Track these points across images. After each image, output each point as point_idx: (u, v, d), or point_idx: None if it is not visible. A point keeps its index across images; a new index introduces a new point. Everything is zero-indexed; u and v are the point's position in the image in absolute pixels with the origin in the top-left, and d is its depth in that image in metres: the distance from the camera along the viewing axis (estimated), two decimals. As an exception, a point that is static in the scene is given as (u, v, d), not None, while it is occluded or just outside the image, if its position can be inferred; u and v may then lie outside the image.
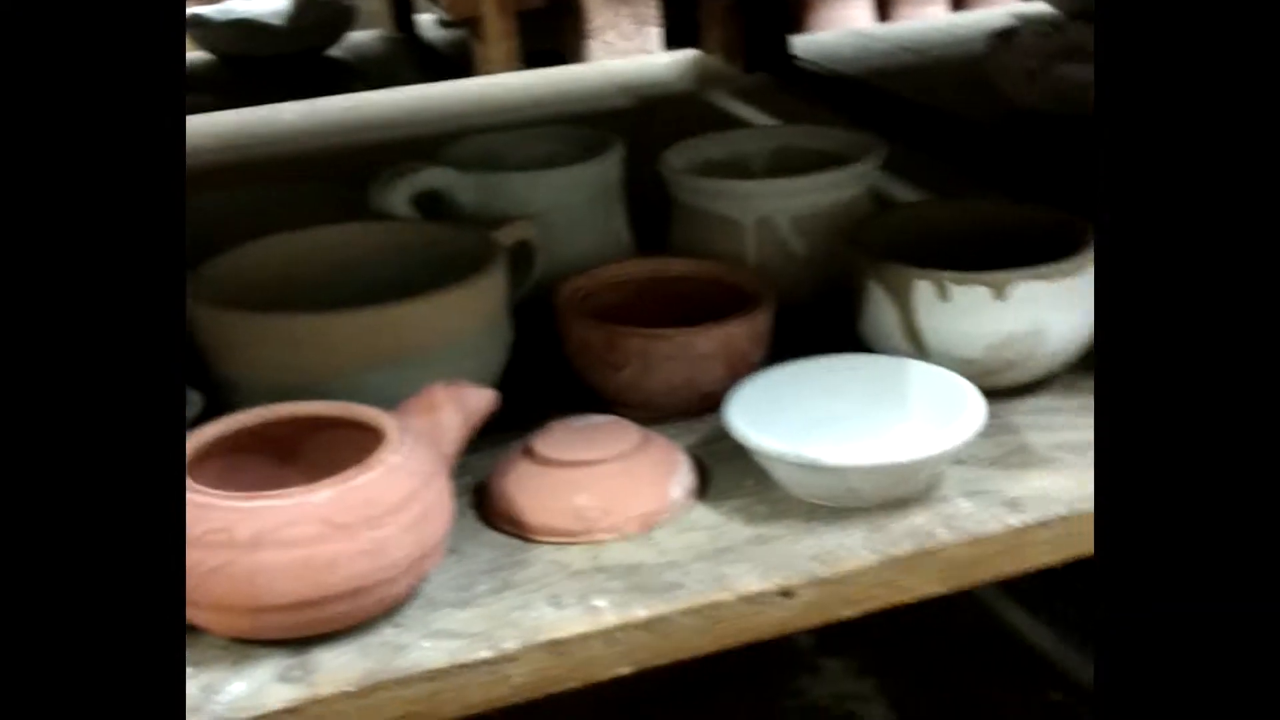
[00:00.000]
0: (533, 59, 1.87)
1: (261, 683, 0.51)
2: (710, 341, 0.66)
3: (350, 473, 0.52)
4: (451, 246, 0.67)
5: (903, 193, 0.93)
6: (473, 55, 2.05)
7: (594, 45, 2.02)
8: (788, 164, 0.80)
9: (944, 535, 0.58)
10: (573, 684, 0.54)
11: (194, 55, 2.32)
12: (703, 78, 1.24)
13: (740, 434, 0.60)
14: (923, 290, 0.65)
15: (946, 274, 0.65)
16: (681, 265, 0.73)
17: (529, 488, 0.59)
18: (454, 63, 2.17)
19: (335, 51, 2.38)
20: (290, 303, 0.63)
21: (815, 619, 0.57)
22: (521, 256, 0.71)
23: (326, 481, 0.52)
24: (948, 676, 0.95)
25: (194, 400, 0.62)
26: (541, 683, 0.53)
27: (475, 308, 0.64)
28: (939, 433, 0.59)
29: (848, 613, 0.57)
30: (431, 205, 0.74)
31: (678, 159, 0.78)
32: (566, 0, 2.03)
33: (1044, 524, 0.59)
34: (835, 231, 0.73)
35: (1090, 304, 0.66)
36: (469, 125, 1.05)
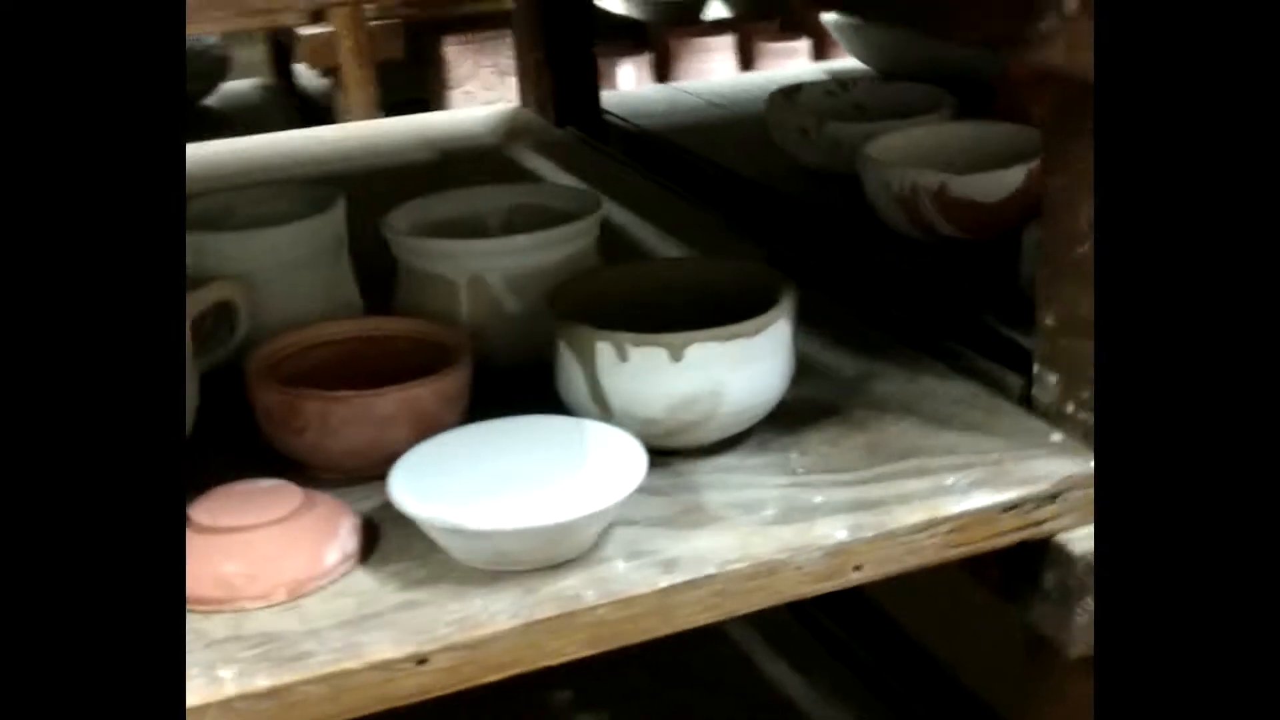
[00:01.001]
0: (397, 109, 1.88)
1: None
2: (391, 404, 0.65)
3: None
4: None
5: (671, 251, 0.94)
6: (335, 104, 2.05)
7: (456, 95, 2.03)
8: (523, 223, 0.80)
9: (591, 597, 0.58)
10: (197, 757, 0.53)
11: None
12: (513, 132, 1.25)
13: (394, 498, 0.59)
14: (604, 351, 0.65)
15: (624, 335, 0.65)
16: (389, 325, 0.73)
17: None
18: (326, 111, 2.18)
19: (210, 100, 2.38)
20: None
21: (452, 684, 0.56)
22: (223, 317, 0.71)
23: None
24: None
25: None
26: (155, 755, 0.53)
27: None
28: (594, 494, 0.59)
29: (488, 678, 0.57)
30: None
31: (404, 218, 0.78)
32: (428, 52, 2.04)
33: (693, 584, 0.59)
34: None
35: (773, 361, 0.67)
36: (244, 180, 1.04)
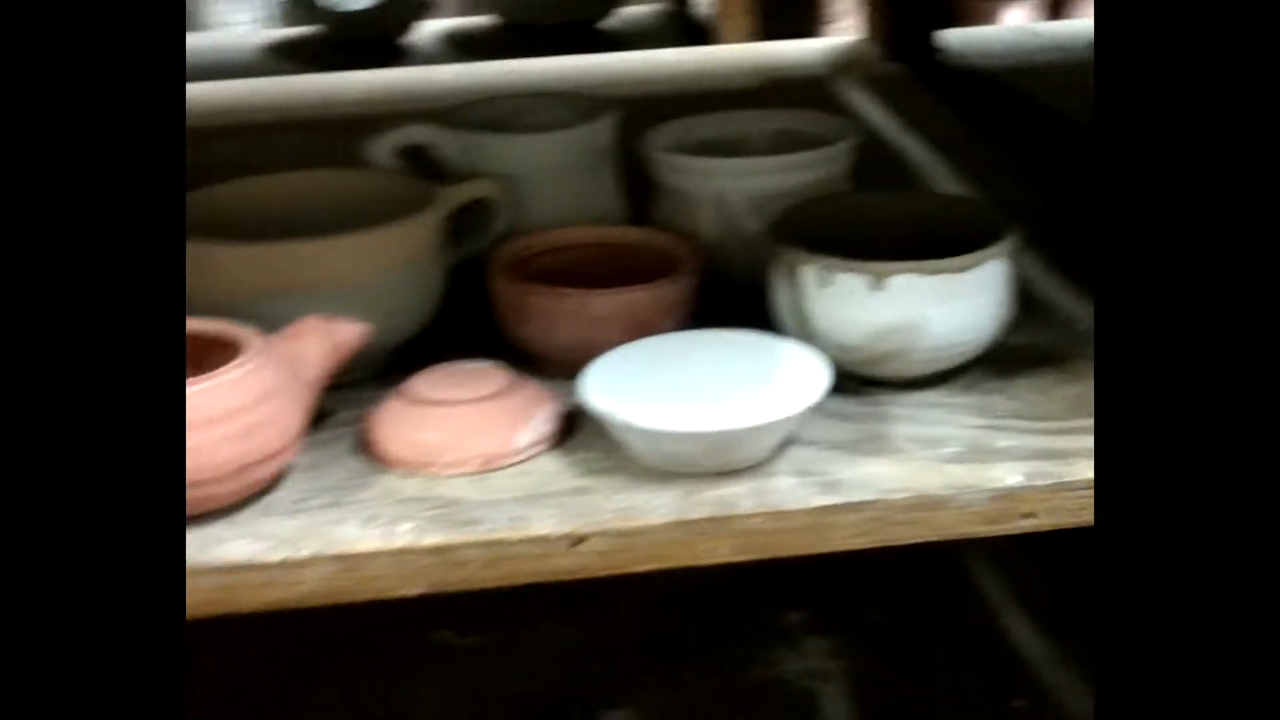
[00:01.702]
0: (776, 36, 1.90)
1: (90, 554, 0.59)
2: (608, 304, 0.69)
3: (188, 381, 0.59)
4: (399, 198, 0.73)
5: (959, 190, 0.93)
6: (717, 31, 2.09)
7: (835, 29, 2.03)
8: (782, 147, 0.81)
9: (747, 505, 0.60)
10: (359, 596, 0.59)
11: (484, 19, 2.47)
12: (844, 64, 1.25)
13: (581, 391, 0.63)
14: (808, 274, 0.66)
15: (829, 259, 0.66)
16: (626, 234, 0.76)
17: (390, 421, 0.65)
18: (713, 37, 2.23)
19: (610, 22, 2.48)
20: (244, 236, 0.71)
21: (604, 568, 0.60)
22: (481, 213, 0.76)
23: (162, 387, 0.59)
24: (919, 670, 0.94)
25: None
26: (329, 591, 0.59)
27: (386, 253, 0.69)
28: (764, 408, 0.61)
29: (639, 566, 0.60)
30: (421, 161, 0.80)
31: (668, 136, 0.81)
32: (808, -17, 2.05)
33: (850, 506, 0.60)
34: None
35: (981, 301, 0.66)
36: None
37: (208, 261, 0.68)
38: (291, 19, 3.44)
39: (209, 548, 0.59)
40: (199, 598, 0.58)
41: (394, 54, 2.33)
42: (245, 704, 0.94)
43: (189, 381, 0.59)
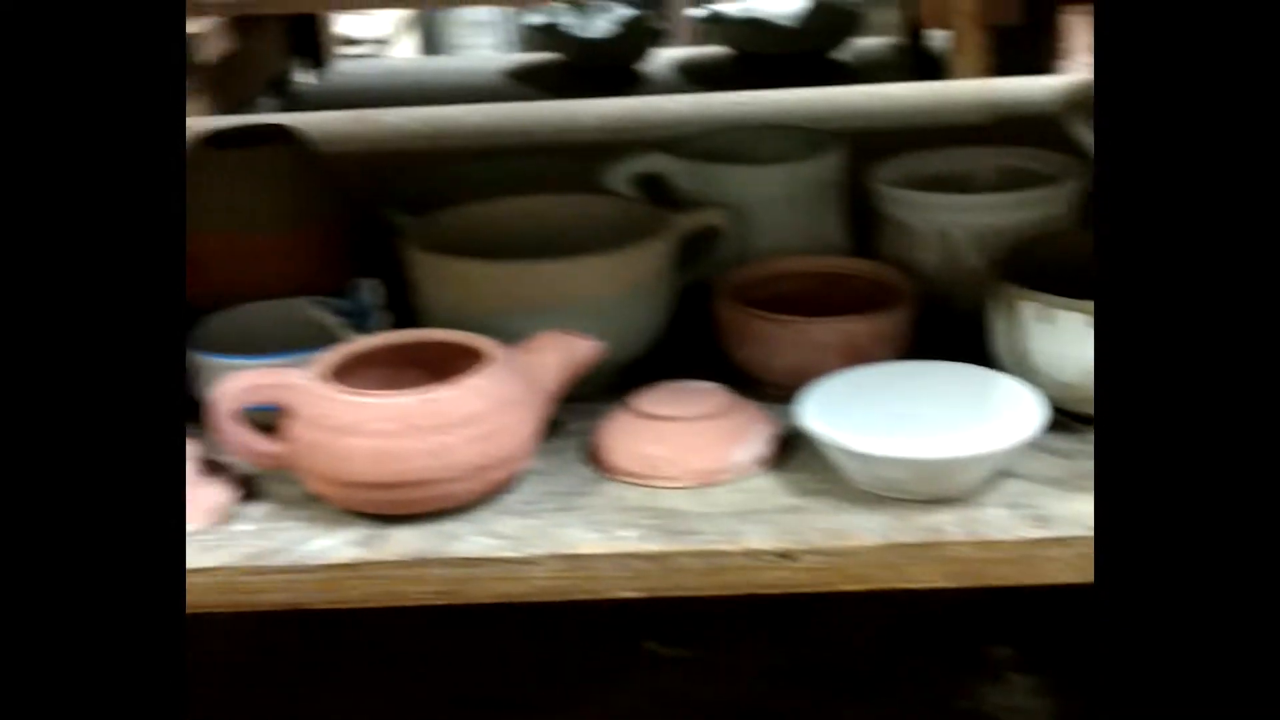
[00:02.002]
0: (1010, 74, 1.90)
1: (339, 542, 0.64)
2: (826, 333, 0.72)
3: (434, 386, 0.64)
4: (633, 222, 0.77)
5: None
6: (950, 66, 2.09)
7: (1068, 65, 2.01)
8: (1006, 184, 0.83)
9: (955, 533, 0.62)
10: (584, 595, 0.63)
11: (711, 49, 2.52)
12: (1075, 102, 1.25)
13: (800, 413, 0.66)
14: (1028, 311, 0.68)
15: (1048, 297, 0.67)
16: (847, 265, 0.79)
17: (616, 434, 0.69)
18: (945, 72, 2.23)
19: (840, 54, 2.50)
20: (486, 254, 0.75)
21: (813, 584, 0.62)
22: (708, 241, 0.80)
23: (413, 390, 0.64)
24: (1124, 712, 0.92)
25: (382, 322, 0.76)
26: (556, 589, 0.63)
27: (619, 274, 0.73)
28: (978, 440, 0.63)
29: (847, 586, 0.62)
30: (654, 188, 0.84)
31: (895, 170, 0.83)
32: (1045, 19, 2.03)
33: (1059, 541, 0.61)
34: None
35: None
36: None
37: (456, 276, 0.73)
38: (531, 44, 3.55)
39: (448, 542, 0.64)
40: (435, 588, 0.63)
41: (630, 80, 2.40)
42: (465, 700, 0.99)
43: (438, 386, 0.64)
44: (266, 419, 0.66)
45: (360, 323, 0.74)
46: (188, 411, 0.72)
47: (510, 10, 4.36)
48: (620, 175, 0.83)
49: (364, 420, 0.63)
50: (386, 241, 0.82)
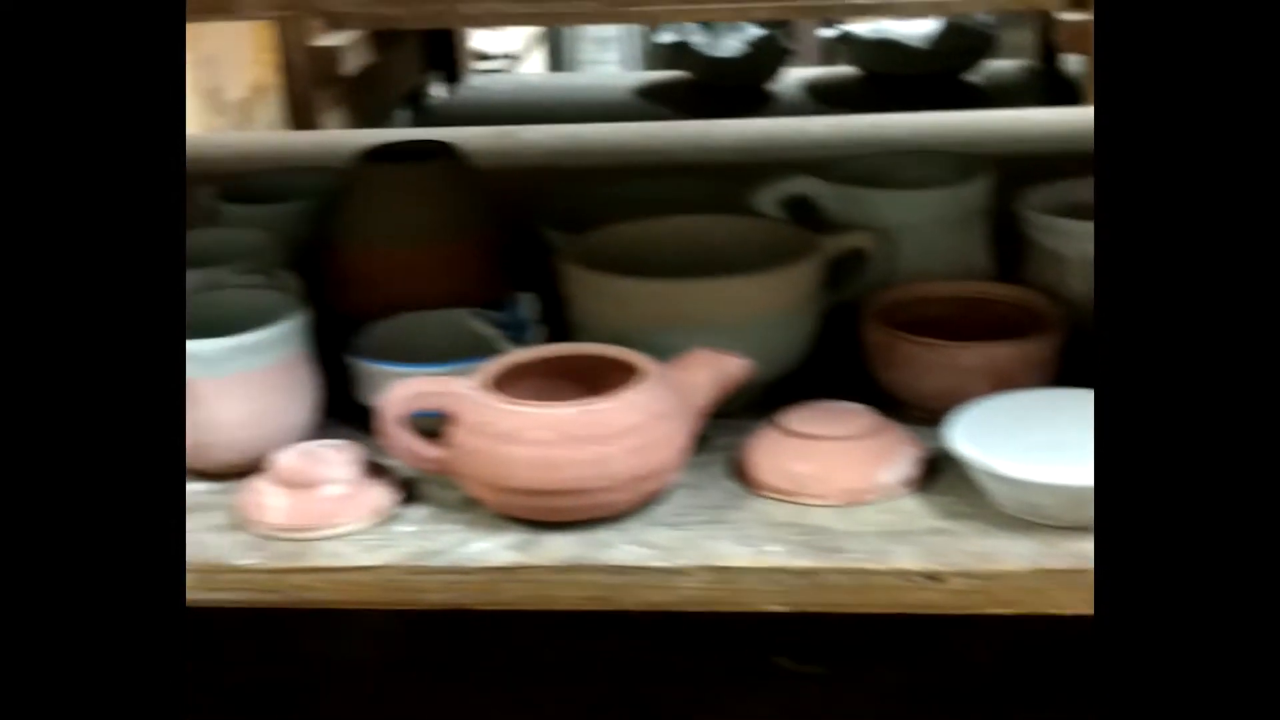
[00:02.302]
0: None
1: (497, 546, 0.66)
2: (973, 357, 0.73)
3: (593, 399, 0.66)
4: (782, 244, 0.79)
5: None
6: (1086, 91, 2.08)
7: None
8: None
9: (1104, 562, 0.62)
10: (730, 607, 0.65)
11: (841, 70, 2.52)
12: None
13: (948, 436, 0.67)
14: (1181, 341, 0.68)
15: (1202, 329, 0.67)
16: (994, 290, 0.79)
17: (764, 450, 0.70)
18: (1081, 96, 2.21)
19: (973, 77, 2.49)
20: (639, 271, 0.77)
21: (960, 606, 0.63)
22: (855, 263, 0.81)
23: (572, 401, 0.66)
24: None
25: (539, 334, 0.78)
26: (704, 599, 0.65)
27: (771, 294, 0.75)
28: (1129, 469, 0.63)
29: (993, 609, 0.63)
30: (802, 210, 0.85)
31: (1042, 197, 0.84)
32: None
33: (1209, 573, 0.61)
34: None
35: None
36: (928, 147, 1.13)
37: (612, 292, 0.75)
38: (658, 62, 3.57)
39: (601, 549, 0.66)
40: (588, 593, 0.65)
41: (760, 100, 2.41)
42: (597, 708, 1.01)
43: (598, 398, 0.66)
44: (426, 424, 0.69)
45: (517, 335, 0.77)
46: (352, 416, 0.76)
47: (636, 28, 4.39)
48: (769, 197, 0.84)
49: (525, 429, 0.65)
50: (529, 255, 0.85)
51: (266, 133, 2.06)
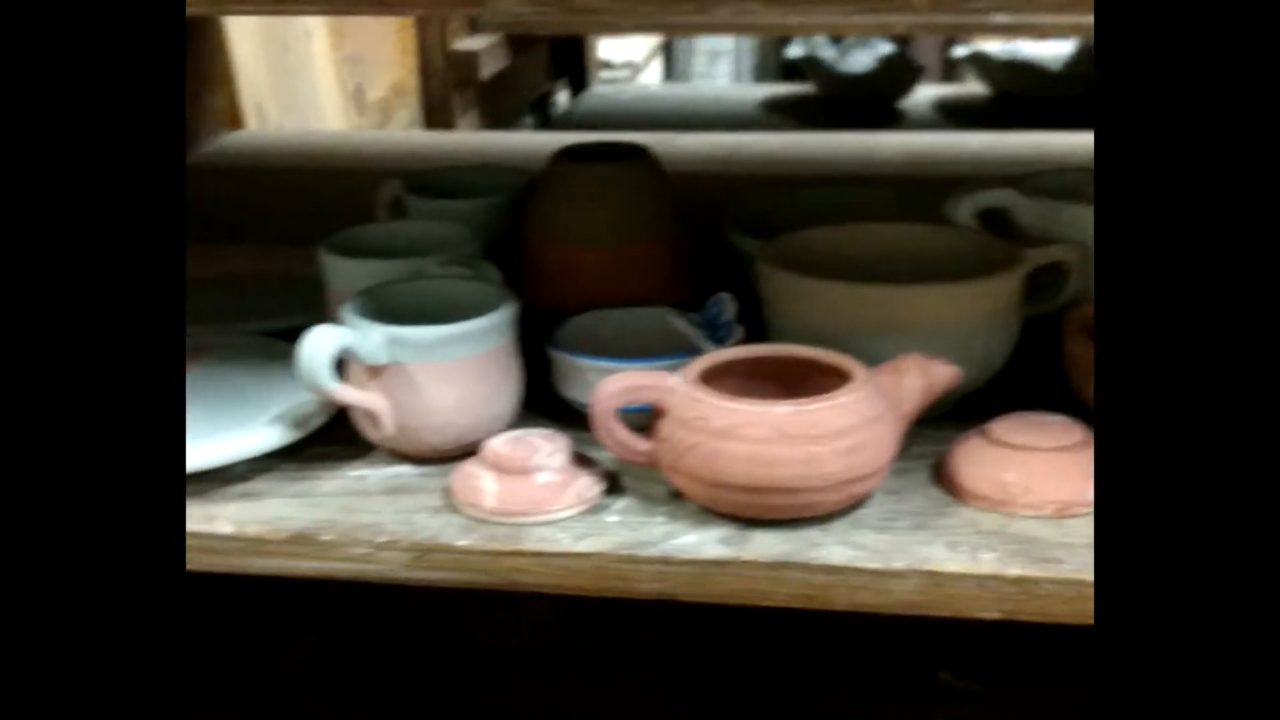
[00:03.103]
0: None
1: (706, 539, 0.67)
2: (1184, 375, 0.72)
3: (808, 399, 0.67)
4: (984, 254, 0.79)
5: None
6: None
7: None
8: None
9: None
10: (945, 612, 0.65)
11: (969, 89, 2.51)
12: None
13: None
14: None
15: None
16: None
17: (972, 459, 0.70)
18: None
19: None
20: (835, 276, 0.78)
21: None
22: (1054, 276, 0.81)
23: (787, 401, 0.67)
24: None
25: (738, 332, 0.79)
26: (917, 603, 0.65)
27: (977, 303, 0.75)
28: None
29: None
30: (998, 222, 0.85)
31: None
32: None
33: None
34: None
35: None
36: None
37: (817, 296, 0.75)
38: (765, 75, 3.55)
39: (810, 549, 0.66)
40: (797, 591, 0.66)
41: (889, 117, 2.41)
42: (754, 712, 1.01)
43: (812, 399, 0.66)
44: (629, 419, 0.70)
45: (716, 335, 0.77)
46: (543, 407, 0.77)
47: (748, 42, 4.41)
48: (965, 208, 0.84)
49: (738, 425, 0.66)
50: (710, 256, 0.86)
51: (441, 133, 2.08)
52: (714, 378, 0.71)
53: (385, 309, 0.75)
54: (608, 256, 0.84)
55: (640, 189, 0.87)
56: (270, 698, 1.02)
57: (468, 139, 1.66)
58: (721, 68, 4.55)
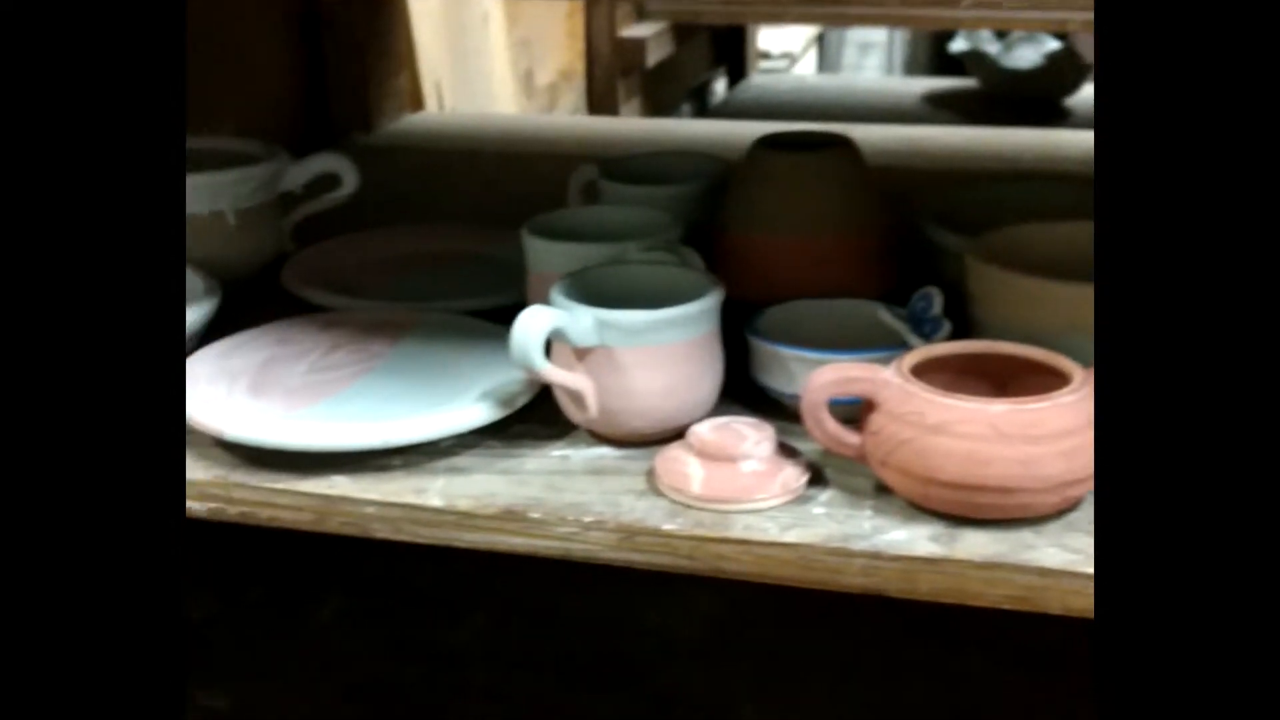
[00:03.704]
0: None
1: (916, 536, 0.66)
2: None
3: (1026, 398, 0.66)
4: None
5: None
6: None
7: None
8: None
9: None
10: (1161, 620, 0.63)
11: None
12: None
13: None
14: None
15: None
16: None
17: (1189, 464, 0.69)
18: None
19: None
20: (1046, 274, 0.77)
21: None
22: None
23: (1005, 399, 0.66)
24: None
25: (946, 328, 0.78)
26: (1133, 609, 0.63)
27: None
28: None
29: None
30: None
31: None
32: None
33: None
34: None
35: None
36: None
37: (1034, 294, 0.74)
38: (915, 69, 3.49)
39: (1022, 550, 0.65)
40: (1008, 592, 0.65)
41: (1053, 114, 2.36)
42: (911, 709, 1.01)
43: (1030, 398, 0.65)
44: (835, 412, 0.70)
45: (922, 329, 0.77)
46: (738, 395, 0.77)
47: (900, 34, 4.36)
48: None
49: (956, 422, 0.65)
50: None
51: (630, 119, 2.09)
52: (924, 372, 0.70)
53: (590, 292, 0.75)
54: (808, 246, 0.84)
55: (843, 179, 0.86)
56: (444, 669, 1.03)
57: (650, 126, 1.67)
58: (872, 60, 4.51)
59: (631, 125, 1.67)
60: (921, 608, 0.68)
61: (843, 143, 0.88)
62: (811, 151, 0.87)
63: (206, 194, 0.93)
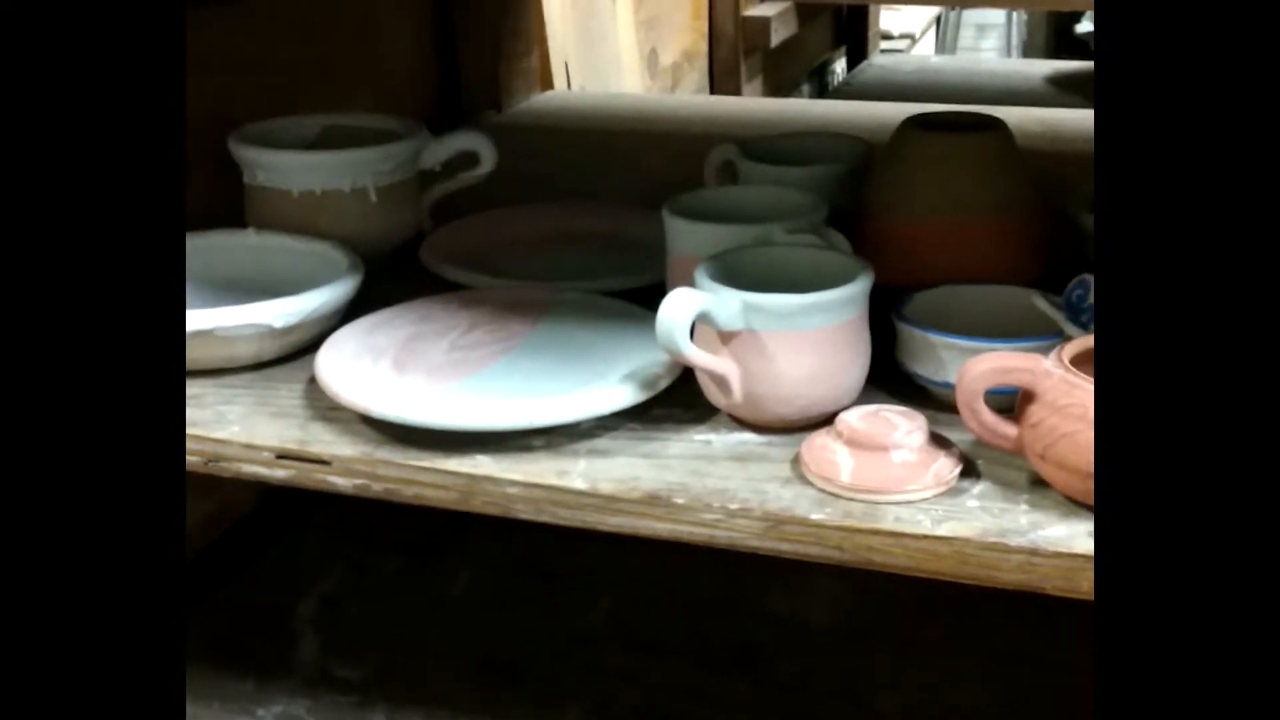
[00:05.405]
0: None
1: (1076, 533, 0.64)
2: None
3: (1194, 393, 0.63)
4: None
5: None
6: None
7: None
8: None
9: None
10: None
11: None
12: None
13: None
14: None
15: None
16: None
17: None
18: None
19: None
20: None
21: None
22: None
23: (1172, 393, 0.64)
24: None
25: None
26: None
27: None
28: None
29: None
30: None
31: None
32: None
33: None
34: None
35: None
36: None
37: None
38: (1033, 51, 3.41)
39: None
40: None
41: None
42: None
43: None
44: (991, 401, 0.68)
45: (1079, 318, 0.74)
46: (889, 383, 0.76)
47: (1020, 15, 4.27)
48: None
49: (1120, 416, 0.63)
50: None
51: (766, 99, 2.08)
52: (1084, 363, 0.68)
53: (734, 274, 0.74)
54: (961, 230, 0.82)
55: (998, 161, 0.84)
56: (576, 648, 1.03)
57: (780, 106, 1.65)
58: (989, 41, 4.44)
59: (761, 105, 1.66)
60: (1060, 601, 0.66)
61: (996, 124, 0.86)
62: (966, 133, 0.85)
63: (350, 170, 0.93)
